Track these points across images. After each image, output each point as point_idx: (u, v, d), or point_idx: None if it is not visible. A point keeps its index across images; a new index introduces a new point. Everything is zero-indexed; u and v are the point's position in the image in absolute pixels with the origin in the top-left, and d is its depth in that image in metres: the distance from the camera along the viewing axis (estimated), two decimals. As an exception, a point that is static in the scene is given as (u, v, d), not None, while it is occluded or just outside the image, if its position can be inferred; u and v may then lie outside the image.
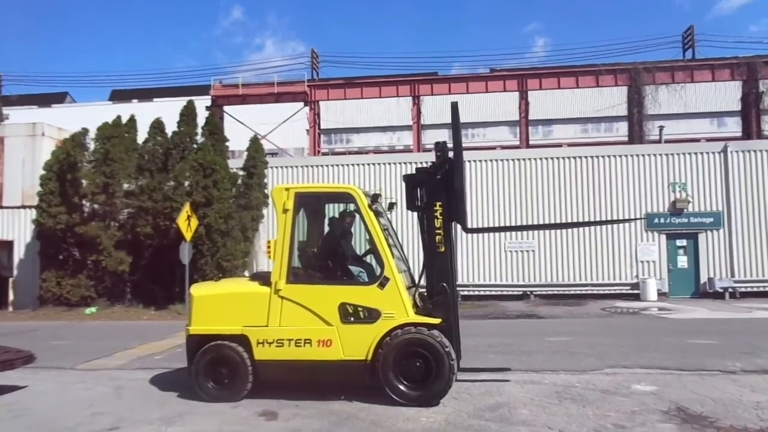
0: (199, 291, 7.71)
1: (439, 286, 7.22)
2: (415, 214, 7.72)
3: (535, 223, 21.69)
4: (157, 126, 20.99)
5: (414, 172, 7.71)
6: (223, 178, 19.57)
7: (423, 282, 7.69)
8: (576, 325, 14.52)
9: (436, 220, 7.28)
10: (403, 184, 7.70)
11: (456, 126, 7.38)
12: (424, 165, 8.11)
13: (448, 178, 7.28)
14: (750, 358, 9.36)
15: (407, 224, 21.82)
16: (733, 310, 17.12)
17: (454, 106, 7.43)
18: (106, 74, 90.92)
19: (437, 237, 7.29)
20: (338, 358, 6.94)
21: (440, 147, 7.58)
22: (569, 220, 21.65)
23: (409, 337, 6.85)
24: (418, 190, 7.58)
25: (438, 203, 7.29)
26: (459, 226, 7.52)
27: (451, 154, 7.39)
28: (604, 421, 6.19)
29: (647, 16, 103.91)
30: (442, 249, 7.27)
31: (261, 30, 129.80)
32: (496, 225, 21.66)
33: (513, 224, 21.59)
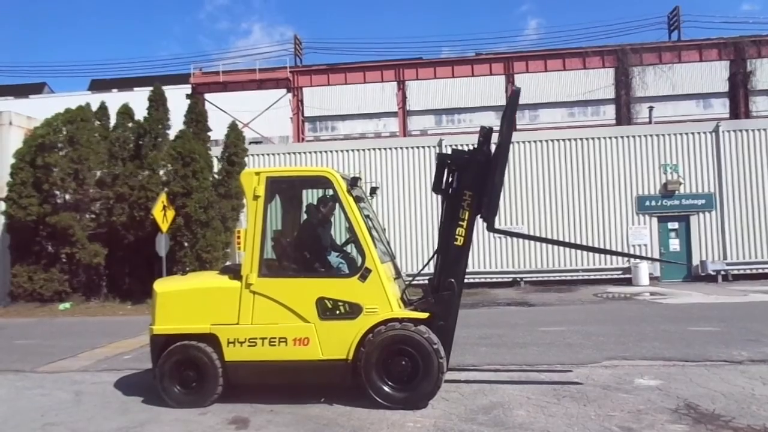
0: (163, 287, 7.08)
1: (447, 281, 6.57)
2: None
3: (521, 207, 21.24)
4: (125, 112, 20.12)
5: (449, 152, 7.00)
6: (203, 168, 18.80)
7: (426, 270, 7.05)
8: (569, 313, 14.02)
9: (462, 210, 6.56)
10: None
11: (512, 114, 6.61)
12: (464, 147, 7.32)
13: (489, 169, 6.54)
14: (755, 346, 8.87)
15: (392, 209, 21.25)
16: (728, 294, 16.71)
17: (516, 92, 6.62)
18: (86, 63, 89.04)
19: (458, 229, 6.58)
20: (316, 357, 6.32)
21: (485, 132, 6.79)
22: (558, 206, 21.19)
23: (393, 333, 6.23)
24: (449, 173, 6.88)
25: (469, 193, 6.56)
26: (482, 222, 6.76)
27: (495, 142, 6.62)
28: (608, 423, 5.63)
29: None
30: (461, 243, 6.58)
31: (248, 14, 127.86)
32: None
33: (501, 211, 21.04)
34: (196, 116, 20.33)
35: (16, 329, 14.36)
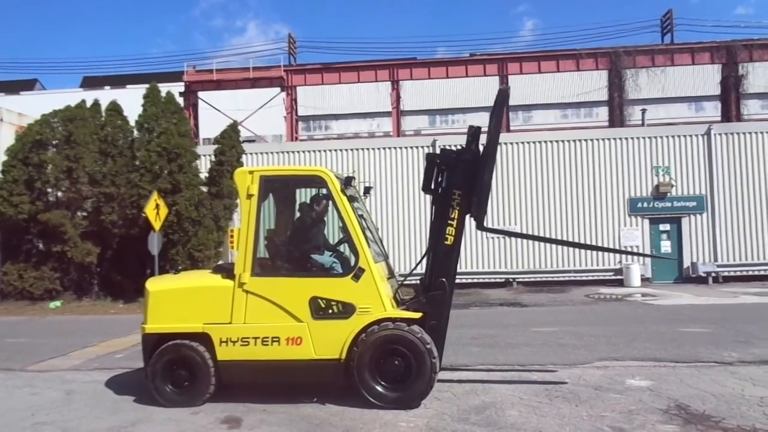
0: (155, 285, 7.05)
1: (438, 281, 6.60)
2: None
3: (513, 207, 21.30)
4: (114, 109, 19.96)
5: (437, 152, 7.06)
6: (189, 162, 18.71)
7: (417, 270, 7.08)
8: (561, 314, 14.08)
9: (451, 209, 6.60)
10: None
11: (500, 113, 6.65)
12: (457, 147, 7.31)
13: (477, 168, 6.57)
14: (745, 348, 8.94)
15: (386, 208, 21.26)
16: (718, 296, 16.82)
17: (504, 92, 6.66)
18: (78, 60, 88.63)
19: (448, 228, 6.61)
20: (309, 357, 6.32)
21: (473, 132, 6.85)
22: (550, 207, 21.26)
23: (386, 333, 6.24)
24: (438, 172, 6.91)
25: (458, 192, 6.60)
26: (471, 221, 6.76)
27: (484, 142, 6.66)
28: (599, 423, 5.66)
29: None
30: (450, 242, 6.62)
31: (243, 12, 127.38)
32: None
33: (494, 212, 21.05)
34: (170, 107, 19.91)
35: (5, 327, 14.24)
